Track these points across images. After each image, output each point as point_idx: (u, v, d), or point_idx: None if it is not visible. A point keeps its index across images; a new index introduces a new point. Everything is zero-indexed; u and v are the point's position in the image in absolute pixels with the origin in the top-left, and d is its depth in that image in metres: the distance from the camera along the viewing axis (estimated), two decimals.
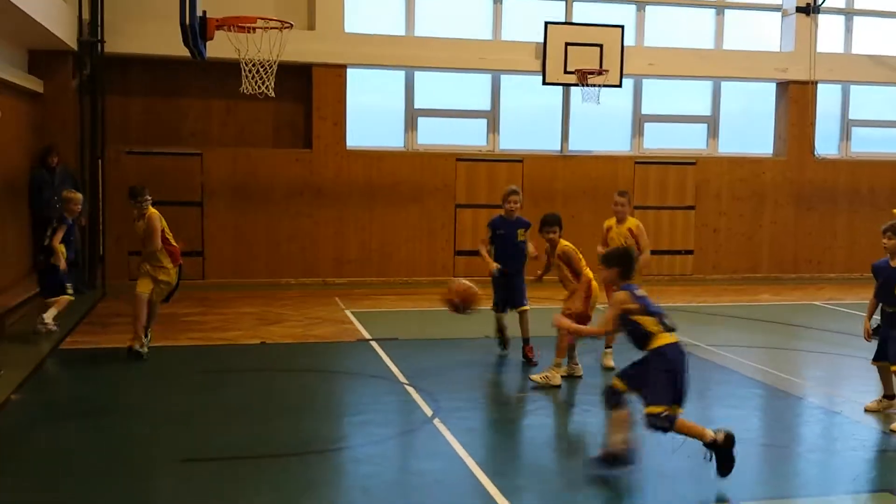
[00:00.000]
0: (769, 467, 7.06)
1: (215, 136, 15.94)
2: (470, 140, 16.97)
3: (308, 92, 15.90)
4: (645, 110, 17.66)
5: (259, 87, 11.20)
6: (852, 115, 18.58)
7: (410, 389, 8.84)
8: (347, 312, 13.16)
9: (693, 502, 6.20)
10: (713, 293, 15.61)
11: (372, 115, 16.54)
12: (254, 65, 11.10)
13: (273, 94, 11.53)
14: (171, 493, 6.32)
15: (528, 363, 9.97)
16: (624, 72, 16.31)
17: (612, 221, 10.25)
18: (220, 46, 11.24)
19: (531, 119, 17.25)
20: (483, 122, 16.99)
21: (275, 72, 11.33)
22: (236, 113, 15.93)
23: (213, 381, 9.28)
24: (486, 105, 16.97)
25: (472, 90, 16.99)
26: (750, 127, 18.35)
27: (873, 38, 18.30)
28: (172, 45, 11.57)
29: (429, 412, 8.06)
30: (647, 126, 17.70)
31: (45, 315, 10.78)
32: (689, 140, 17.95)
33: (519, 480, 6.48)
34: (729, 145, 18.05)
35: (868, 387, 8.70)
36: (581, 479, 6.55)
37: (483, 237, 10.42)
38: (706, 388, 9.10)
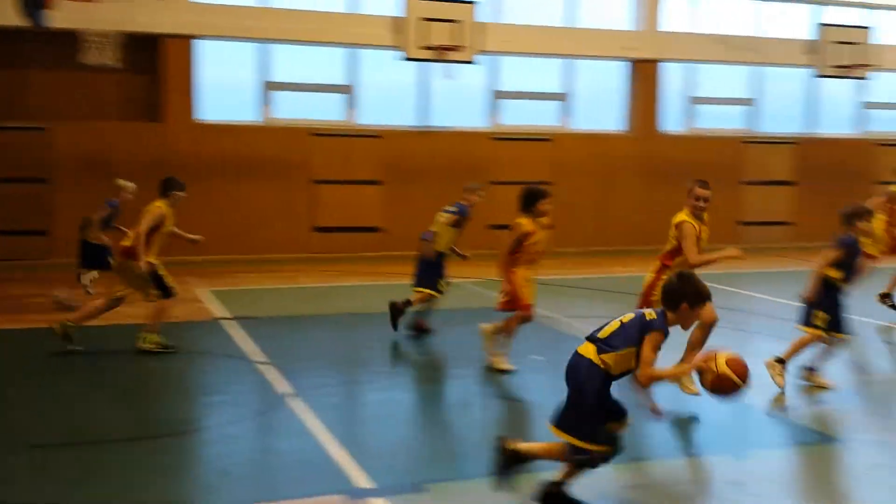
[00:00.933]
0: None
1: (62, 109, 15.21)
2: (329, 115, 16.77)
3: (157, 64, 15.38)
4: (502, 87, 17.82)
5: (103, 58, 10.80)
6: (696, 93, 19.25)
7: (270, 368, 8.70)
8: (201, 291, 12.86)
9: None
10: (568, 266, 15.92)
11: (227, 88, 16.14)
12: (97, 35, 10.69)
13: (120, 66, 11.13)
14: (17, 479, 6.01)
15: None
16: (480, 48, 16.40)
17: (688, 216, 8.34)
18: (65, 16, 10.76)
19: (392, 94, 17.17)
20: (343, 97, 16.82)
21: (120, 42, 10.94)
22: (85, 85, 15.21)
23: (59, 364, 8.90)
24: (344, 79, 16.80)
25: (331, 64, 16.77)
26: (604, 104, 18.80)
27: (717, 18, 18.95)
28: (14, 15, 10.99)
29: (289, 390, 7.96)
30: (505, 103, 17.88)
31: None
32: (547, 117, 18.25)
33: (380, 457, 6.45)
34: (584, 122, 18.44)
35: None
36: (442, 454, 6.62)
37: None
38: (563, 358, 9.25)
